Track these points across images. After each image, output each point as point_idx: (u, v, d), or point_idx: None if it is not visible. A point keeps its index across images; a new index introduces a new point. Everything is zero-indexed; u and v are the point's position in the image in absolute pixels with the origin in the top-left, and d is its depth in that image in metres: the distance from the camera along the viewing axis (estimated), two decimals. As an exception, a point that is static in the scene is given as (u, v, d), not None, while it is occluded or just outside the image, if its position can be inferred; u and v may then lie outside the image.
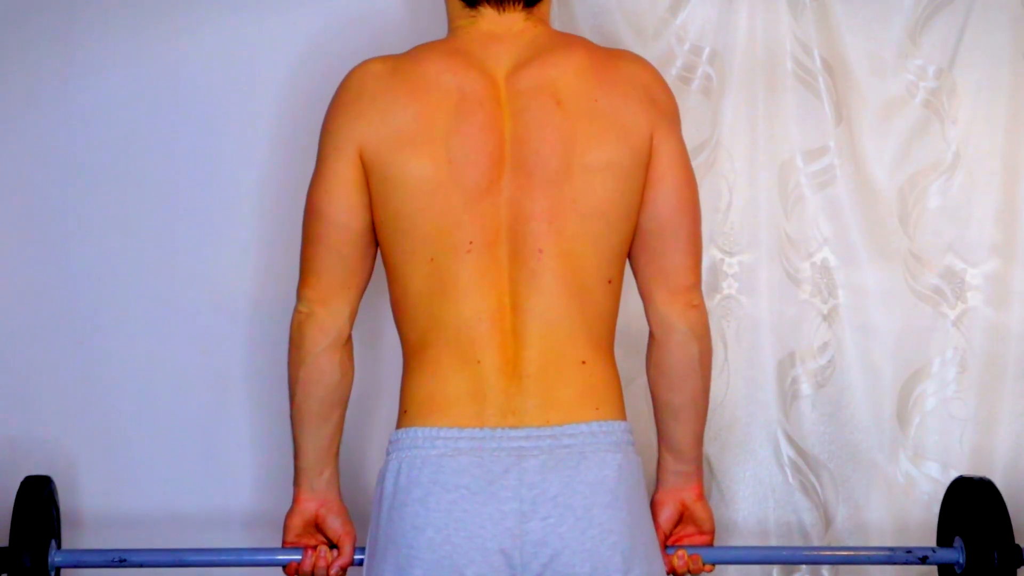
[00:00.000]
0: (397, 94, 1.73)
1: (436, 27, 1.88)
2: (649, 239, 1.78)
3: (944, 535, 1.95)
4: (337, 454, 1.81)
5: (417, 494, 1.65)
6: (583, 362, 1.71)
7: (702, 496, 1.85)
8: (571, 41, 1.82)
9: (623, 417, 1.73)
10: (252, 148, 2.24)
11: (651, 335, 1.81)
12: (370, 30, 2.22)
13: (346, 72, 1.79)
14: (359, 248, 1.76)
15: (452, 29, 1.82)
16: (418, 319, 1.72)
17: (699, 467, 1.84)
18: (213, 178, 2.25)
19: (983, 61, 2.22)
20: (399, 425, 1.72)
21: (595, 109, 1.73)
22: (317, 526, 1.81)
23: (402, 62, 1.77)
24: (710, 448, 2.20)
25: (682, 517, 1.84)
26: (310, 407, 1.76)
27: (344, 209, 1.74)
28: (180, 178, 2.25)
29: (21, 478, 1.90)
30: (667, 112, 1.79)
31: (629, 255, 1.80)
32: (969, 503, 1.90)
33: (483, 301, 1.69)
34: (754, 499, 2.23)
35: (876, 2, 2.22)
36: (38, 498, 1.88)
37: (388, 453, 1.72)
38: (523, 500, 1.64)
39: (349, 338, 1.78)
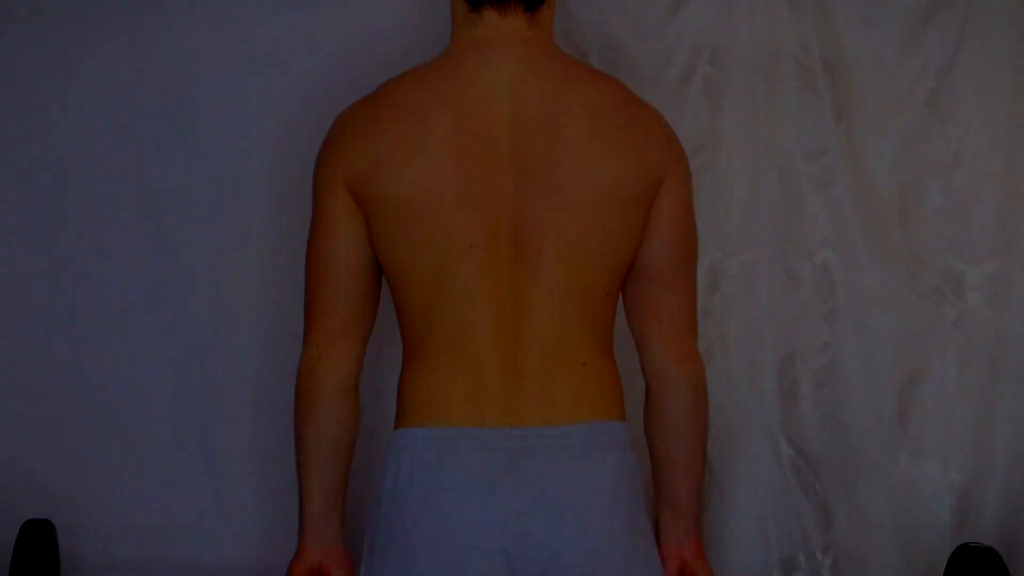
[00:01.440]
0: (373, 124, 1.73)
1: (443, 27, 1.87)
2: (644, 281, 1.78)
3: None
4: (344, 503, 1.79)
5: (417, 494, 1.65)
6: (584, 364, 1.71)
7: (702, 554, 1.84)
8: (600, 73, 1.83)
9: (623, 418, 1.73)
10: (255, 148, 2.23)
11: (647, 389, 1.81)
12: (375, 28, 2.21)
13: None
14: (363, 286, 1.76)
15: (452, 38, 1.81)
16: (420, 321, 1.72)
17: (698, 523, 1.84)
18: (215, 179, 2.24)
19: (983, 61, 2.22)
20: (397, 425, 1.72)
21: (612, 131, 1.72)
22: None
23: (376, 97, 1.77)
24: (710, 448, 2.19)
25: None
26: (320, 453, 1.75)
27: (343, 244, 1.74)
28: (181, 178, 2.24)
29: (17, 507, 1.87)
30: (682, 161, 1.79)
31: (624, 301, 1.80)
32: (973, 573, 1.90)
33: (484, 302, 1.69)
34: (754, 499, 2.22)
35: (876, 2, 2.22)
36: (38, 543, 1.85)
37: (387, 454, 1.72)
38: (523, 500, 1.64)
39: (358, 384, 1.78)
